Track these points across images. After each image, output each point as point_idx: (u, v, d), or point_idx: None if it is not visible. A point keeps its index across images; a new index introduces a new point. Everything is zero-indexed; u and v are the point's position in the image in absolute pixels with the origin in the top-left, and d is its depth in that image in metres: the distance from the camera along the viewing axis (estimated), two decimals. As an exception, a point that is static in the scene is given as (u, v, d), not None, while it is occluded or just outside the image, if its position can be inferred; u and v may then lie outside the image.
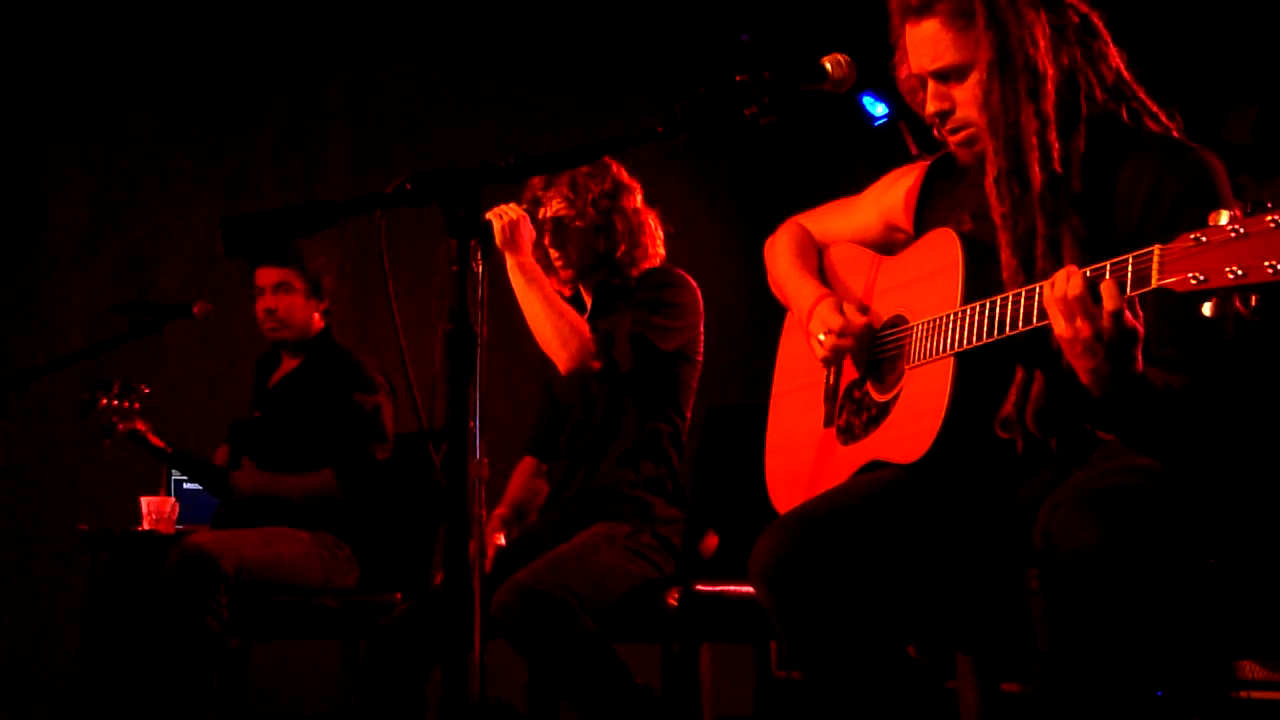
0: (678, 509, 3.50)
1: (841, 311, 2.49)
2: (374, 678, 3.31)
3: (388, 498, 4.32)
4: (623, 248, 3.53)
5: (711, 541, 3.83)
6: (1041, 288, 2.08)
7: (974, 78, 2.30)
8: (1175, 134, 2.32)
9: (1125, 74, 2.34)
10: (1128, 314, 1.98)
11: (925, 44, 2.32)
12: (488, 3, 6.03)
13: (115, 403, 3.98)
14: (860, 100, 5.79)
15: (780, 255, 2.76)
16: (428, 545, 4.30)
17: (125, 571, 4.15)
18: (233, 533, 4.09)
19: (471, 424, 3.45)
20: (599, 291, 3.60)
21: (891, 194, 2.64)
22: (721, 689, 4.06)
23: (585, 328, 3.38)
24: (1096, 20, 2.33)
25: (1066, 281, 2.02)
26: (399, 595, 4.19)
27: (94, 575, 4.31)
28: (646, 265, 3.57)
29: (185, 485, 4.86)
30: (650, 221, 3.61)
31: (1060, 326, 2.03)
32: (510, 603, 3.09)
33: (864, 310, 2.54)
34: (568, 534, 3.38)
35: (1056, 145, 2.25)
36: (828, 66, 2.24)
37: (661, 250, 3.63)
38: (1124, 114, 2.33)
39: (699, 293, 3.55)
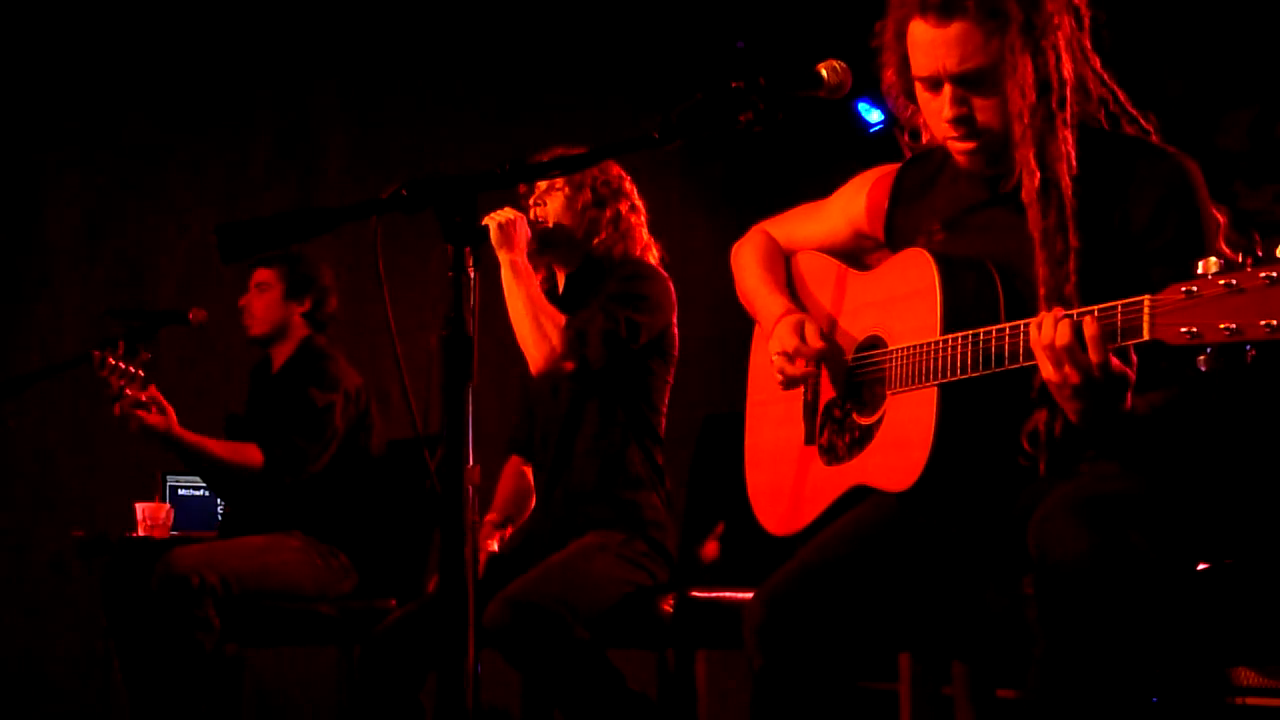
0: (665, 506, 3.48)
1: (801, 334, 2.45)
2: (369, 684, 3.30)
3: (383, 503, 4.33)
4: (603, 235, 3.52)
5: (712, 548, 3.82)
6: (1028, 328, 2.07)
7: (998, 84, 2.22)
8: (1153, 138, 2.30)
9: (1104, 74, 2.30)
10: (1114, 360, 1.97)
11: (952, 45, 2.21)
12: (483, 8, 6.04)
13: (122, 365, 3.96)
14: (855, 107, 5.81)
15: (747, 266, 2.73)
16: (423, 551, 4.30)
17: (123, 577, 4.14)
18: (222, 544, 4.09)
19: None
20: (571, 283, 3.58)
21: (859, 200, 2.59)
22: (717, 695, 4.05)
23: (562, 331, 3.34)
24: (1086, 19, 2.29)
25: (1054, 329, 2.00)
26: (394, 602, 4.18)
27: (89, 581, 4.31)
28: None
29: (180, 491, 4.87)
30: (644, 235, 3.61)
31: (1048, 371, 2.02)
32: (502, 615, 3.06)
33: (831, 328, 2.51)
34: (561, 542, 3.36)
35: (1074, 153, 2.22)
36: (823, 73, 2.22)
37: (651, 260, 3.61)
38: (1103, 117, 2.30)
39: (671, 285, 3.53)
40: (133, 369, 3.96)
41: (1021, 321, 2.10)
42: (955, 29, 2.21)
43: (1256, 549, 2.52)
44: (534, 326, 3.32)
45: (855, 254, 2.61)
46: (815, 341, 2.44)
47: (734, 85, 2.15)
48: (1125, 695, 2.01)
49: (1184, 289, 1.83)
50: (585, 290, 3.52)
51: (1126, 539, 1.99)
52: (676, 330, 3.57)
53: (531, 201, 3.56)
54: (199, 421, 4.17)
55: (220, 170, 5.68)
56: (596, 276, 3.52)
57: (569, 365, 3.34)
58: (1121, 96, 2.30)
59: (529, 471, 3.68)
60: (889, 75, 2.39)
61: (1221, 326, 1.79)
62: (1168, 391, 2.12)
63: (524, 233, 3.40)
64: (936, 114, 2.29)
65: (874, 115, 5.82)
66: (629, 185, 3.60)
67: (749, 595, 3.24)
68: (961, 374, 2.18)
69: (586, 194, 3.52)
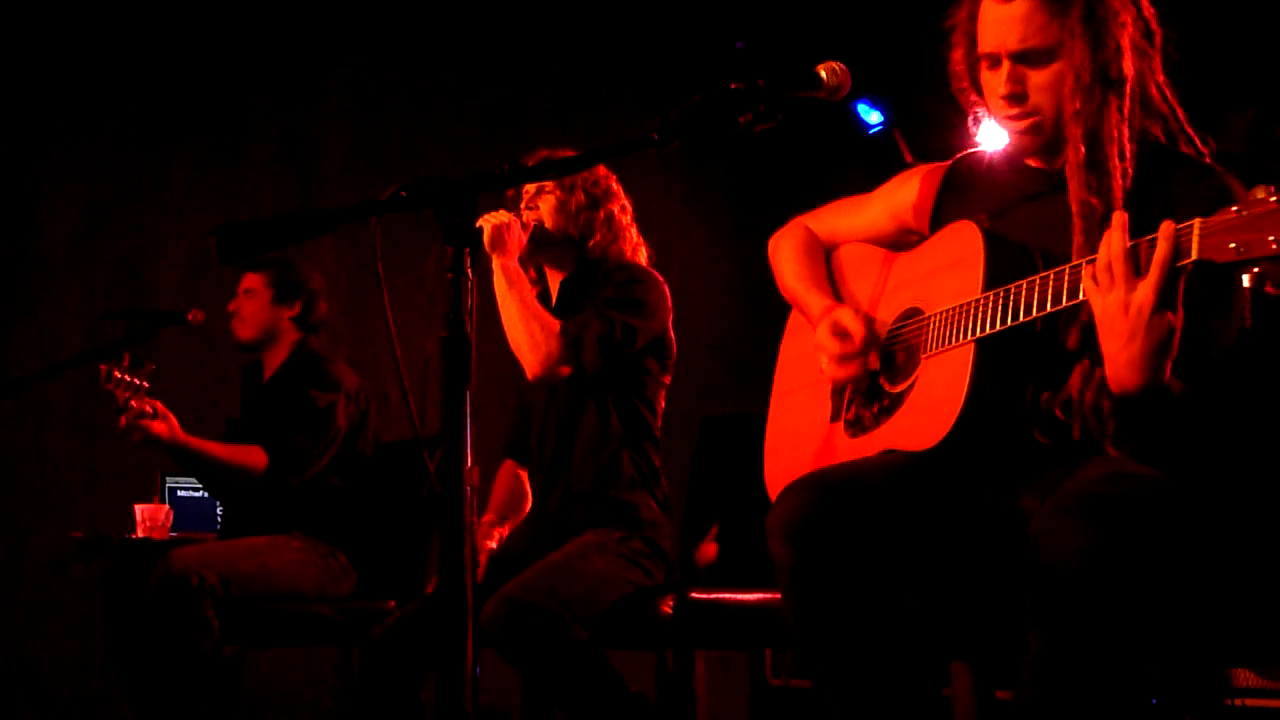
0: (663, 507, 3.47)
1: (842, 332, 2.48)
2: (368, 685, 3.30)
3: (382, 504, 4.33)
4: (597, 237, 3.51)
5: (710, 550, 3.82)
6: (1068, 269, 2.09)
7: (1055, 66, 2.30)
8: (1207, 160, 2.34)
9: (1167, 91, 2.36)
10: (1157, 289, 1.98)
11: (1015, 23, 2.30)
12: (483, 10, 6.04)
13: (126, 377, 3.99)
14: (854, 108, 5.81)
15: (786, 260, 2.74)
16: (423, 552, 4.30)
17: (122, 578, 4.15)
18: (222, 544, 4.09)
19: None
20: (565, 288, 3.58)
21: (903, 193, 2.63)
22: (716, 696, 4.06)
23: (557, 336, 3.33)
24: (1158, 36, 2.36)
25: (1108, 248, 2.03)
26: (393, 603, 4.18)
27: (89, 582, 4.31)
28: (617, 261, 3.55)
29: (179, 492, 4.87)
30: (634, 235, 3.60)
31: (1096, 303, 2.04)
32: (500, 615, 3.05)
33: (868, 319, 2.52)
34: (558, 542, 3.36)
35: (1130, 147, 2.27)
36: (823, 74, 2.23)
37: (642, 260, 3.60)
38: (1160, 133, 2.34)
39: (666, 288, 3.52)
40: (137, 380, 3.98)
41: (1066, 265, 2.12)
42: (1020, 7, 2.31)
43: (1253, 549, 2.52)
44: (528, 332, 3.31)
45: (897, 247, 2.63)
46: (860, 332, 2.47)
47: (733, 86, 2.16)
48: (1120, 697, 2.00)
49: (1234, 209, 1.88)
50: (580, 294, 3.51)
51: (1126, 542, 1.99)
52: (673, 332, 3.56)
53: (523, 205, 3.55)
54: (199, 422, 4.17)
55: (220, 170, 5.68)
56: (591, 280, 3.51)
57: (565, 370, 3.34)
58: (1181, 116, 2.36)
59: (524, 475, 3.67)
60: (956, 56, 2.45)
61: (1270, 239, 1.84)
62: (1182, 383, 2.12)
63: (517, 236, 3.39)
64: (994, 92, 2.37)
65: (873, 116, 5.82)
66: (616, 185, 3.60)
67: (748, 596, 3.25)
68: (1001, 325, 2.19)
69: (579, 196, 3.51)
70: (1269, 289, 1.92)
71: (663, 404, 3.57)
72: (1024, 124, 2.35)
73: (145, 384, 4.00)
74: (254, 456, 4.13)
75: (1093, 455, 2.25)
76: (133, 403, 3.96)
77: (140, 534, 4.34)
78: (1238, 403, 2.22)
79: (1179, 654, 2.50)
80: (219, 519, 4.73)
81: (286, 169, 5.79)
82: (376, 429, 4.46)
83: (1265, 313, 2.21)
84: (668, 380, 3.57)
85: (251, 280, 4.37)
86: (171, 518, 4.42)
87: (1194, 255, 1.92)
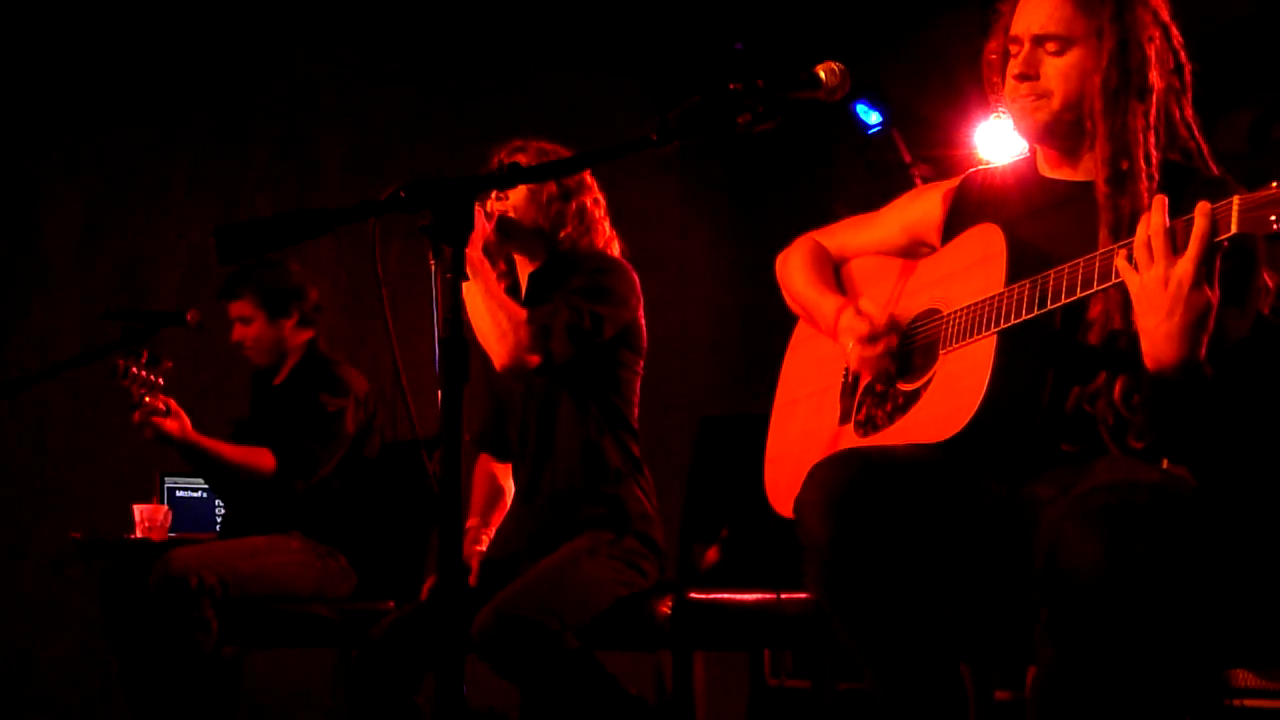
0: (646, 496, 3.45)
1: (868, 318, 2.48)
2: (365, 687, 3.29)
3: (382, 505, 4.33)
4: (569, 228, 3.49)
5: (711, 554, 3.82)
6: (1098, 256, 2.10)
7: (1072, 55, 2.33)
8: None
9: (1195, 129, 2.37)
10: (1196, 263, 1.98)
11: (1044, 8, 2.35)
12: (482, 10, 6.04)
13: (142, 373, 3.99)
14: (853, 108, 5.81)
15: (795, 270, 2.75)
16: (423, 553, 4.30)
17: (121, 579, 4.14)
18: (221, 545, 4.10)
19: (467, 435, 3.42)
20: (534, 279, 3.55)
21: (916, 208, 2.64)
22: (715, 698, 4.06)
23: (524, 326, 3.28)
24: (1186, 65, 2.38)
25: (1147, 226, 2.03)
26: (392, 604, 4.18)
27: (87, 583, 4.31)
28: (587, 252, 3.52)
29: (178, 493, 4.87)
30: (606, 227, 3.58)
31: (1133, 281, 2.04)
32: (491, 629, 3.01)
33: (888, 315, 2.52)
34: (549, 546, 3.32)
35: (1156, 156, 2.29)
36: (821, 74, 2.23)
37: (614, 252, 3.58)
38: (1180, 159, 2.36)
39: (636, 277, 3.49)
40: (154, 377, 3.99)
41: (1096, 252, 2.12)
42: None
43: (1254, 552, 2.52)
44: (494, 321, 3.27)
45: (910, 258, 2.64)
46: (880, 316, 2.47)
47: (732, 87, 2.16)
48: (1131, 710, 2.00)
49: (1275, 184, 1.90)
50: (549, 285, 3.47)
51: (1141, 553, 1.99)
52: (644, 321, 3.53)
53: (494, 194, 3.51)
54: (197, 422, 4.17)
55: (218, 172, 5.68)
56: (562, 271, 3.47)
57: (534, 359, 3.30)
58: (1205, 151, 2.37)
59: (498, 470, 3.66)
60: (991, 46, 2.48)
61: None
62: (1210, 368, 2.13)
63: (481, 227, 3.36)
64: (1010, 74, 2.40)
65: (873, 117, 5.82)
66: (590, 177, 3.56)
67: (747, 596, 3.25)
68: (1027, 314, 2.19)
69: (551, 186, 3.48)
70: (1267, 315, 1.92)
71: (638, 395, 3.54)
72: (1030, 101, 2.37)
73: (161, 380, 4.01)
74: (263, 458, 4.14)
75: (1102, 454, 2.25)
76: (147, 399, 3.97)
77: (139, 534, 4.34)
78: (1240, 401, 2.22)
79: (1180, 655, 2.49)
80: (218, 519, 4.74)
81: (286, 169, 5.79)
82: (380, 432, 4.46)
83: (1263, 332, 2.22)
84: (640, 371, 3.54)
85: (240, 308, 4.35)
86: (170, 518, 4.42)
87: (1234, 229, 1.94)
